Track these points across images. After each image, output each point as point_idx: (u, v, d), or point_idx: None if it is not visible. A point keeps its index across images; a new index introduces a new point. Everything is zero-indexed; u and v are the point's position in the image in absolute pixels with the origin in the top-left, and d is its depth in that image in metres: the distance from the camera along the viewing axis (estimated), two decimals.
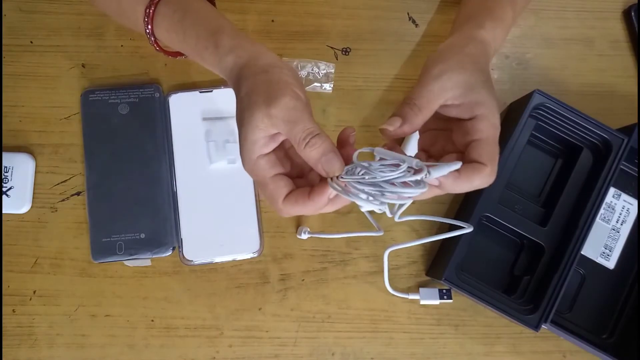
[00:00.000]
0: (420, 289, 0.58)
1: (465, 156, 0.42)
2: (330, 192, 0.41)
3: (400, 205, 0.48)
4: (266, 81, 0.42)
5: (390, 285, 0.58)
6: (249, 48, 0.45)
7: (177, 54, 0.52)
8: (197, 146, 0.59)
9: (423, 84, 0.43)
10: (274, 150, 0.43)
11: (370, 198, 0.38)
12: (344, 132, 0.43)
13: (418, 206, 0.60)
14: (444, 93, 0.43)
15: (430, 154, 0.46)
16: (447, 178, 0.40)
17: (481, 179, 0.41)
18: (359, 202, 0.39)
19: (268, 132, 0.41)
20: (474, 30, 0.48)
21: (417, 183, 0.39)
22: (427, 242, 0.59)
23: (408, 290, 0.59)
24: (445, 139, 0.45)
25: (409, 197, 0.39)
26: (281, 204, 0.42)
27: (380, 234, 0.58)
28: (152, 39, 0.49)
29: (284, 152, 0.45)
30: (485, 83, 0.44)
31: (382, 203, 0.38)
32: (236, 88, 0.44)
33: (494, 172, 0.42)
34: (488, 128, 0.42)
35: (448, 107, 0.44)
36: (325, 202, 0.41)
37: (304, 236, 0.58)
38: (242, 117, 0.42)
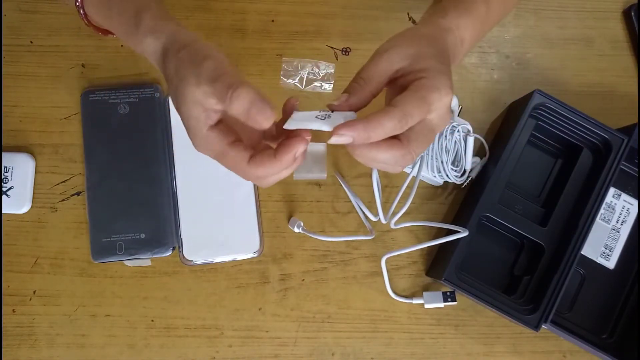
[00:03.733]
0: (424, 293, 0.58)
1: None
2: (296, 150, 0.40)
3: (395, 213, 0.54)
4: (188, 56, 0.41)
5: (391, 285, 0.58)
6: (167, 29, 0.43)
7: (108, 32, 0.51)
8: None
9: (372, 58, 0.43)
10: (219, 124, 0.42)
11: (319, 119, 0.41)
12: (288, 102, 0.42)
13: (417, 209, 0.60)
14: (391, 65, 0.42)
15: None
16: (357, 127, 0.39)
17: (390, 121, 0.39)
18: (315, 126, 0.40)
19: (205, 104, 0.40)
20: (435, 18, 0.47)
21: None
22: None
23: (412, 295, 0.59)
24: None
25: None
26: (247, 166, 0.41)
27: (372, 237, 0.58)
28: (82, 12, 0.48)
29: (229, 127, 0.43)
30: (435, 55, 0.43)
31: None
32: (163, 71, 0.43)
33: (406, 116, 0.39)
34: (423, 85, 0.41)
35: (400, 78, 0.43)
36: (292, 160, 0.40)
37: (297, 229, 0.58)
38: (177, 97, 0.41)
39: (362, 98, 0.42)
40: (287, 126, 0.41)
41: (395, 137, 0.41)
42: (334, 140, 0.39)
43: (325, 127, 0.40)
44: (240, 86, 0.38)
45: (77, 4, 0.48)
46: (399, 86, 0.43)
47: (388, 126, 0.39)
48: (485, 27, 0.53)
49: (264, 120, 0.39)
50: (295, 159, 0.41)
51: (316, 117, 0.41)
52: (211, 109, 0.40)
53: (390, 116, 0.39)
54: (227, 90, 0.38)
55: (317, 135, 0.61)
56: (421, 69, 0.42)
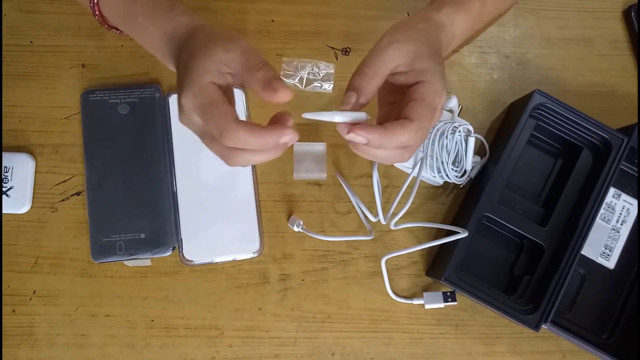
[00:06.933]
0: (425, 294, 0.58)
1: (401, 115, 0.43)
2: (285, 135, 0.41)
3: (395, 213, 0.55)
4: (223, 30, 0.44)
5: (391, 286, 0.58)
6: (200, 17, 0.47)
7: (118, 29, 0.53)
8: (196, 146, 0.59)
9: (373, 52, 0.45)
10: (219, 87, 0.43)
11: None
12: (279, 114, 0.44)
13: (417, 209, 0.60)
14: (393, 60, 0.44)
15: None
16: (374, 133, 0.41)
17: (407, 134, 0.42)
18: (327, 118, 0.43)
19: (222, 67, 0.42)
20: (430, 12, 0.49)
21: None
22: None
23: (412, 295, 0.59)
24: (399, 111, 0.45)
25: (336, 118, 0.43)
26: (232, 123, 0.40)
27: (371, 237, 0.58)
28: (95, 7, 0.50)
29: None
30: (432, 55, 0.45)
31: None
32: (189, 36, 0.45)
33: (421, 129, 0.42)
34: (427, 91, 0.43)
35: (397, 74, 0.45)
36: (276, 140, 0.41)
37: (296, 228, 0.58)
38: (196, 52, 0.43)
39: (369, 95, 0.44)
40: (304, 115, 0.43)
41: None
42: (350, 137, 0.42)
43: (337, 117, 0.43)
44: (268, 64, 0.43)
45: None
46: (397, 83, 0.45)
47: (403, 139, 0.42)
48: (477, 24, 0.54)
49: (284, 91, 0.42)
50: (278, 145, 0.42)
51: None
52: (226, 72, 0.43)
53: (408, 129, 0.42)
54: (259, 62, 0.42)
55: (318, 135, 0.61)
56: (421, 70, 0.44)
